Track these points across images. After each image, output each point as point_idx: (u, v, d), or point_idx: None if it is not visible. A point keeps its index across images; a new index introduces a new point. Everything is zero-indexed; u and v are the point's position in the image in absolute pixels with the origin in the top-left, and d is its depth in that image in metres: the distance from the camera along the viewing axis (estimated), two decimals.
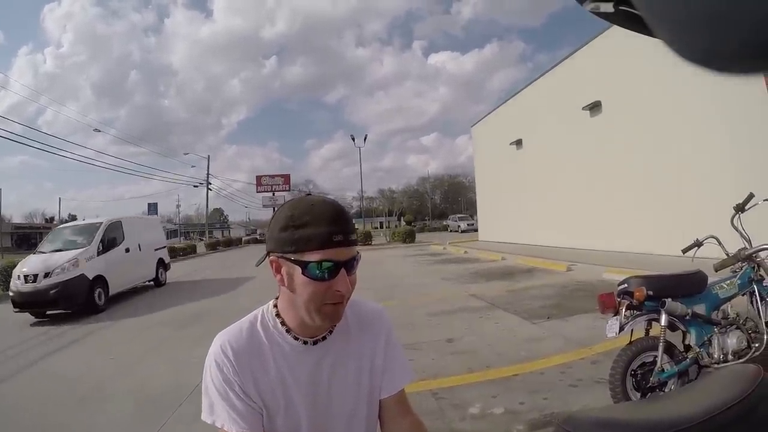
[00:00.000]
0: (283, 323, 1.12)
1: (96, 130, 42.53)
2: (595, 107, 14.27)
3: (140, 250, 12.72)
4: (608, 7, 0.60)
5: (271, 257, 1.06)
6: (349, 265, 1.04)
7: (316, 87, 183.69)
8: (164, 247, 14.72)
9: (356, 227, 1.09)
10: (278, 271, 1.05)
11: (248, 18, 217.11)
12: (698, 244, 3.62)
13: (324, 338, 1.14)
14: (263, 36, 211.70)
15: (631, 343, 3.20)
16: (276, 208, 1.11)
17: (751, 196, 3.54)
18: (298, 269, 1.00)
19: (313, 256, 0.99)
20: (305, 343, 1.12)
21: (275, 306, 1.16)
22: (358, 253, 1.07)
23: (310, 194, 1.13)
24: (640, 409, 1.36)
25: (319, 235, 0.99)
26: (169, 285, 14.19)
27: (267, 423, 1.10)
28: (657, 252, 10.86)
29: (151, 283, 13.72)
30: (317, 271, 0.99)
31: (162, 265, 14.21)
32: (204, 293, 11.74)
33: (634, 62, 10.98)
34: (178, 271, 17.79)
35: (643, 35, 0.57)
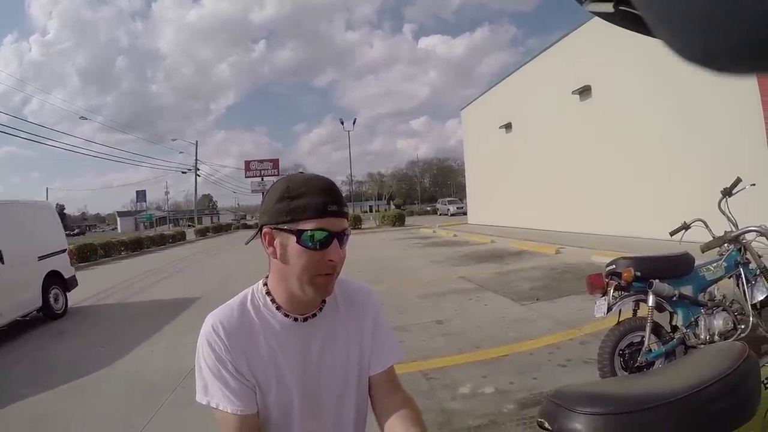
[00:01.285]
0: (273, 301, 1.13)
1: (82, 117, 41.75)
2: (584, 91, 14.27)
3: (3, 262, 6.95)
4: (608, 7, 0.62)
5: (264, 230, 1.07)
6: (341, 236, 1.06)
7: (305, 71, 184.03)
8: (63, 251, 8.79)
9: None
10: (271, 243, 1.06)
11: (236, 1, 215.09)
12: (686, 227, 3.66)
13: (314, 315, 1.15)
14: (252, 19, 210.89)
15: (619, 323, 3.25)
16: (265, 192, 1.12)
17: (738, 180, 3.58)
18: (293, 238, 1.03)
19: (307, 225, 1.02)
20: (295, 320, 1.13)
21: (265, 284, 1.16)
22: (349, 227, 1.10)
23: (302, 172, 1.15)
24: (628, 383, 1.39)
25: (315, 205, 1.02)
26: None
27: (260, 401, 1.10)
28: (645, 235, 10.98)
29: (40, 313, 7.87)
30: (311, 240, 1.02)
31: (59, 282, 8.38)
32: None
33: (625, 47, 10.96)
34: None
35: (643, 35, 0.57)
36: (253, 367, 1.09)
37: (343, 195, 1.12)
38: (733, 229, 3.46)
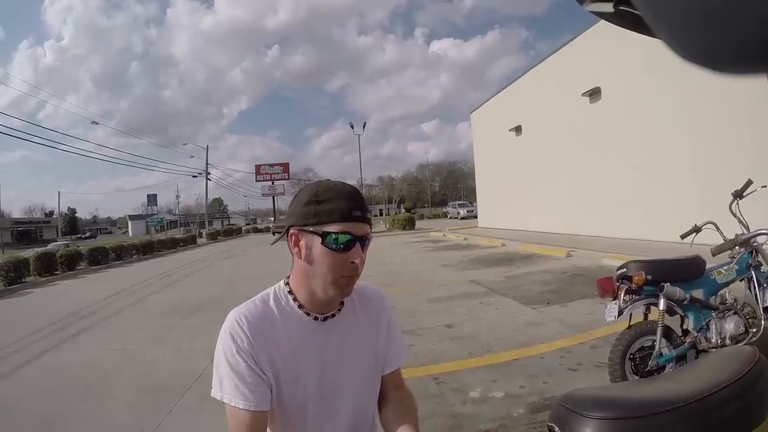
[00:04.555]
0: (295, 299, 1.16)
1: (94, 122, 42.78)
2: (594, 94, 14.21)
3: None
4: (608, 7, 0.62)
5: (291, 231, 1.12)
6: (363, 240, 1.11)
7: (317, 75, 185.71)
8: None
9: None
10: (296, 244, 1.12)
11: (250, 7, 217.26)
12: (697, 229, 3.63)
13: (333, 315, 1.19)
14: (265, 25, 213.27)
15: (629, 327, 3.23)
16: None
17: (749, 182, 3.55)
18: (318, 240, 1.08)
19: (332, 228, 1.07)
20: (316, 318, 1.17)
21: (287, 284, 1.20)
22: (371, 232, 1.15)
23: (330, 180, 1.21)
24: (638, 388, 1.38)
25: (340, 209, 1.08)
26: None
27: (277, 399, 1.13)
28: (656, 238, 10.90)
29: None
30: (336, 243, 1.07)
31: None
32: None
33: (634, 49, 10.90)
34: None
35: (643, 35, 0.57)
36: (274, 362, 1.11)
37: None
38: (745, 231, 3.43)
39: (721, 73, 0.33)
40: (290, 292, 1.18)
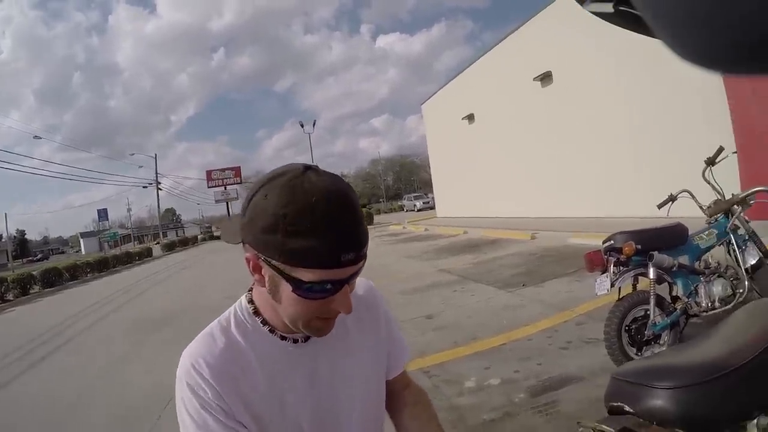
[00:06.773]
0: (264, 322, 0.91)
1: (36, 137, 40.21)
2: (546, 77, 14.40)
3: None
4: (608, 7, 0.63)
5: (247, 253, 0.81)
6: (353, 277, 0.81)
7: (265, 76, 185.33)
8: None
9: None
10: (256, 270, 0.81)
11: (194, 11, 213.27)
12: (672, 198, 3.69)
13: None
14: (210, 28, 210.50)
15: (621, 299, 3.23)
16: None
17: (721, 149, 3.62)
18: (288, 286, 0.77)
19: (308, 275, 0.75)
20: (295, 341, 0.92)
21: (250, 301, 0.94)
22: (364, 259, 0.83)
23: (311, 168, 0.80)
24: (690, 354, 1.31)
25: (323, 254, 0.73)
26: None
27: None
28: (615, 215, 11.13)
29: None
30: (313, 291, 0.77)
31: None
32: None
33: (582, 31, 11.06)
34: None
35: (643, 35, 0.57)
36: (251, 407, 0.87)
37: None
38: (719, 197, 3.50)
39: (723, 73, 0.33)
40: (255, 312, 0.92)
